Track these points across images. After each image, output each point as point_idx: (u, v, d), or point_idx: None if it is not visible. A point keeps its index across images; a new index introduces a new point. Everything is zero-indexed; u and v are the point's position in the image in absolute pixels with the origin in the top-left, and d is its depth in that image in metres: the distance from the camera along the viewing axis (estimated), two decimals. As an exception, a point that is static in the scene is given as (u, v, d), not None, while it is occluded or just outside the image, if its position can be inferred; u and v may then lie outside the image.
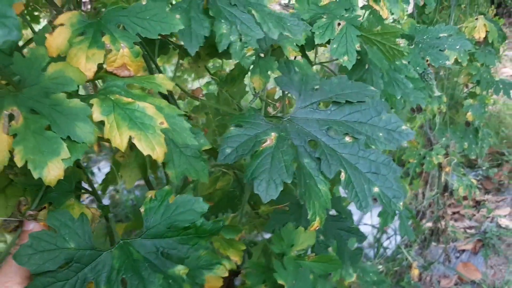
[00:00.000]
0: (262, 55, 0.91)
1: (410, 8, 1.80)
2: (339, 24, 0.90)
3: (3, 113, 0.43)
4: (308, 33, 0.81)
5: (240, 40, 0.54)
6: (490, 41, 1.70)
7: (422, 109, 1.95)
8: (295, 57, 1.02)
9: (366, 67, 1.02)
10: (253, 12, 0.55)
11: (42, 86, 0.46)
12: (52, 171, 0.41)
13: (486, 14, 1.78)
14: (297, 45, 0.89)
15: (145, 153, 0.46)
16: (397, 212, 1.74)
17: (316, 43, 0.86)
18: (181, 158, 0.59)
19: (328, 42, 0.87)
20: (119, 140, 0.46)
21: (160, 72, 0.79)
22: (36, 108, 0.44)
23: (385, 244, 2.44)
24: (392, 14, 1.04)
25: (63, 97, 0.45)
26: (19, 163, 0.41)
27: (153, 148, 0.46)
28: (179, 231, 0.51)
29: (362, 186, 0.62)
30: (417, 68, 1.17)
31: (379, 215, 1.73)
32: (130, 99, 0.49)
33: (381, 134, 0.66)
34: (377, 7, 1.00)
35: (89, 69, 0.49)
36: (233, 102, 1.01)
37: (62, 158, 0.41)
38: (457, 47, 1.17)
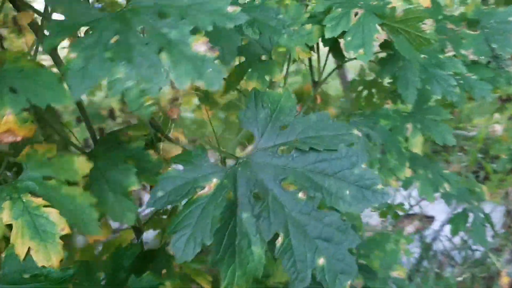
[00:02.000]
0: (263, 57, 0.82)
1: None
2: (356, 13, 0.77)
3: None
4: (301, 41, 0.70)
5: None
6: None
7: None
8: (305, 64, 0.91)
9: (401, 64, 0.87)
10: (165, 53, 0.47)
11: None
12: None
13: None
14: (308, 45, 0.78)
15: (40, 264, 0.50)
16: (470, 216, 1.52)
17: (326, 37, 0.76)
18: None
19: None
20: (20, 250, 0.50)
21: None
22: None
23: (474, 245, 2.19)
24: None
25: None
26: None
27: (49, 259, 0.50)
28: (31, 278, 0.52)
29: (305, 255, 0.53)
30: (481, 57, 0.99)
31: (450, 221, 1.54)
32: (39, 201, 0.52)
33: (348, 191, 0.55)
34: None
35: (-36, 137, 0.49)
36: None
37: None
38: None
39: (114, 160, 0.63)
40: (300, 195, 0.55)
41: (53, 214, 0.51)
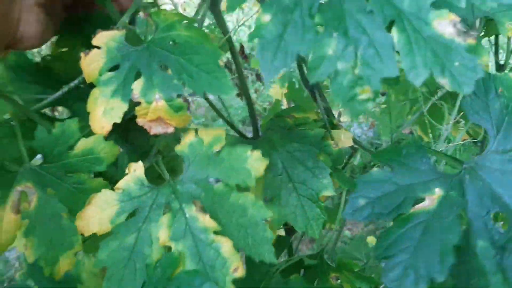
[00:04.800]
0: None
1: None
2: None
3: (15, 188, 0.40)
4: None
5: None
6: None
7: None
8: None
9: None
10: (396, 30, 0.31)
11: (65, 164, 0.41)
12: (63, 267, 0.35)
13: None
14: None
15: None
16: None
17: None
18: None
19: None
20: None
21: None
22: (53, 187, 0.40)
23: None
24: None
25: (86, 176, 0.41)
26: (30, 258, 0.37)
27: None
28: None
29: None
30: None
31: None
32: (208, 222, 0.39)
33: None
34: None
35: (103, 127, 0.36)
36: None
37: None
38: None
39: (300, 154, 0.50)
40: None
41: (226, 246, 0.38)
